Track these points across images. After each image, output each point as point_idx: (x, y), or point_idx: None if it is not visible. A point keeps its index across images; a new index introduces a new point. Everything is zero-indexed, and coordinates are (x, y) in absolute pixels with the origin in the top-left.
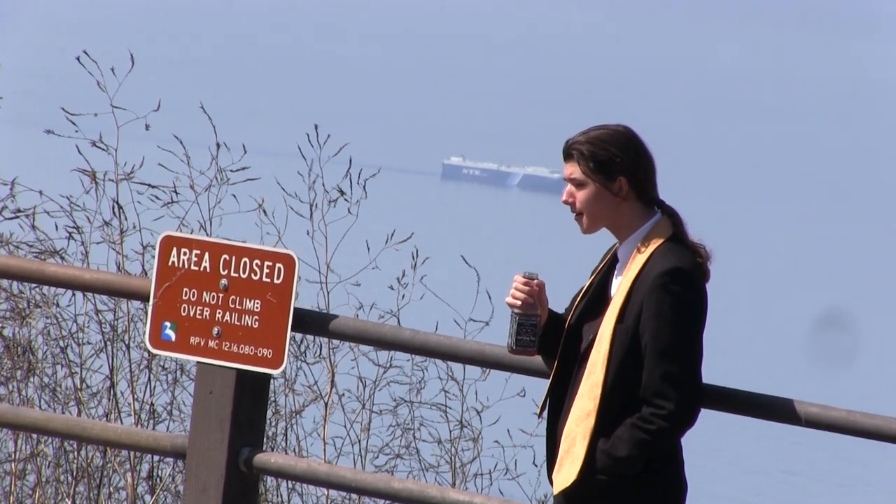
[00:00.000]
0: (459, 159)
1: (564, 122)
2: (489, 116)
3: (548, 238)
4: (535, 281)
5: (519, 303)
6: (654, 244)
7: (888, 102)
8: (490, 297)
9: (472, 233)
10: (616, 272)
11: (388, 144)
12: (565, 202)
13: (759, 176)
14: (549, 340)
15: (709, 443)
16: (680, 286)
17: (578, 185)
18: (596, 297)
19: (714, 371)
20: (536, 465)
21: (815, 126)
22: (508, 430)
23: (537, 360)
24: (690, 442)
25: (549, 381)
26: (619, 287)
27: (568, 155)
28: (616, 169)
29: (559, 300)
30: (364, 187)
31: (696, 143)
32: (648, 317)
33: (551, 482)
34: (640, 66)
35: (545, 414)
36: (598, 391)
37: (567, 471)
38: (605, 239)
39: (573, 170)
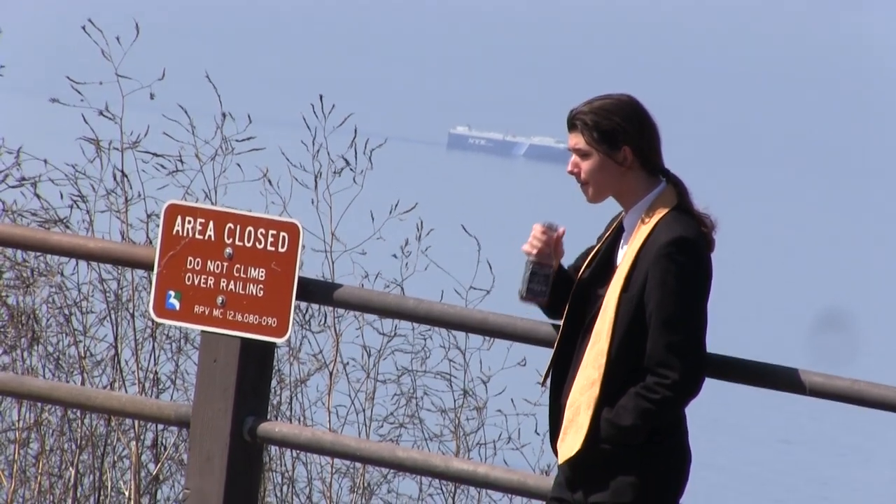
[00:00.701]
0: (465, 129)
1: (570, 92)
2: (495, 86)
3: (554, 208)
4: (556, 234)
5: (534, 251)
6: (660, 213)
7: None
8: (491, 267)
9: (477, 203)
10: (621, 241)
11: (394, 114)
12: (570, 172)
13: (753, 145)
14: (558, 293)
15: (712, 413)
16: (685, 256)
17: (583, 155)
18: (601, 265)
19: (718, 342)
20: (539, 435)
21: (810, 94)
22: (512, 400)
23: (541, 328)
24: (694, 412)
25: (554, 349)
26: (625, 256)
27: (572, 125)
28: (620, 138)
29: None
30: (370, 158)
31: (702, 114)
32: (653, 286)
33: (555, 451)
34: (643, 34)
35: (548, 383)
36: (603, 360)
37: (571, 440)
38: (610, 208)
39: (577, 140)
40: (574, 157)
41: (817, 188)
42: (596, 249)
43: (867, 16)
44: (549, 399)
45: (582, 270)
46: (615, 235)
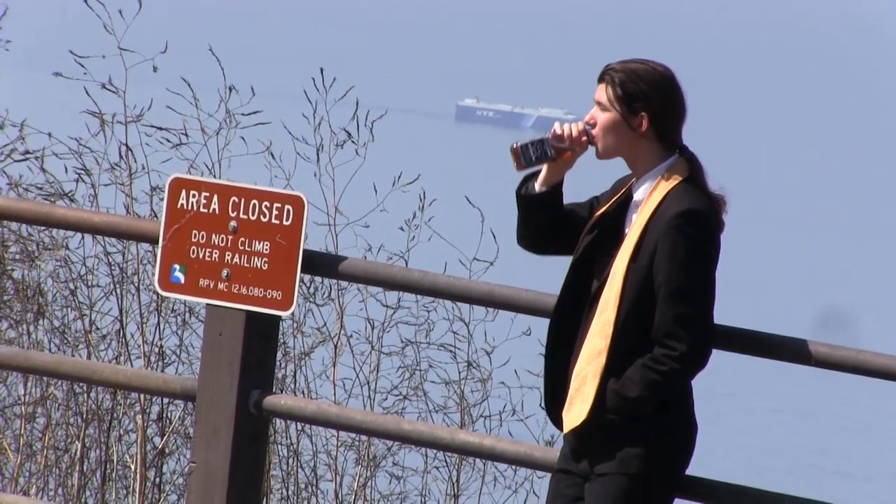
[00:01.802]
0: (473, 101)
1: (578, 63)
2: (503, 57)
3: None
4: (585, 138)
5: (559, 131)
6: (671, 184)
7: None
8: (495, 237)
9: (483, 175)
10: (630, 210)
11: (404, 86)
12: (587, 123)
13: (756, 120)
14: (540, 208)
15: (717, 384)
16: (694, 228)
17: (602, 109)
18: (608, 232)
19: (723, 316)
20: (543, 407)
21: (813, 69)
22: (516, 371)
23: (547, 300)
24: (701, 383)
25: (553, 312)
26: (634, 226)
27: (601, 77)
28: (640, 104)
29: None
30: (371, 129)
31: (722, 86)
32: (662, 258)
33: (550, 417)
34: (650, 7)
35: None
36: (610, 329)
37: (577, 409)
38: (615, 173)
39: (601, 93)
40: (594, 108)
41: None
42: (602, 213)
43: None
44: (545, 362)
45: (585, 233)
46: (623, 202)
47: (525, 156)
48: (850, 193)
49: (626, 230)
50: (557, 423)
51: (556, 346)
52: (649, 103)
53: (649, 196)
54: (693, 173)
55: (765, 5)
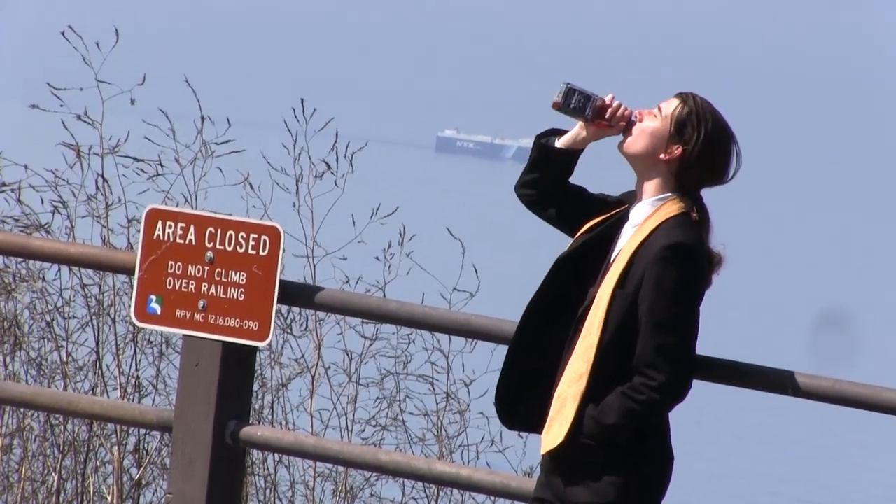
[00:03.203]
0: (454, 132)
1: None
2: (483, 88)
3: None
4: (625, 121)
5: (609, 101)
6: (666, 215)
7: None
8: (476, 271)
9: (464, 206)
10: (623, 227)
11: (383, 117)
12: (637, 113)
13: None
14: (552, 165)
15: (693, 414)
16: (682, 262)
17: (658, 115)
18: (597, 244)
19: (712, 343)
20: (522, 437)
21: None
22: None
23: None
24: (679, 413)
25: (527, 308)
26: (622, 251)
27: (680, 94)
28: (685, 139)
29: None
30: (351, 161)
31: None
32: (648, 288)
33: (503, 420)
34: (629, 33)
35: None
36: (592, 353)
37: (556, 431)
38: (619, 179)
39: (668, 105)
40: (652, 109)
41: (816, 186)
42: (599, 221)
43: (867, 14)
44: (506, 355)
45: (576, 239)
46: (618, 221)
47: (567, 98)
48: (837, 215)
49: (615, 250)
50: (504, 417)
51: (524, 336)
52: (693, 143)
53: (644, 222)
54: (695, 215)
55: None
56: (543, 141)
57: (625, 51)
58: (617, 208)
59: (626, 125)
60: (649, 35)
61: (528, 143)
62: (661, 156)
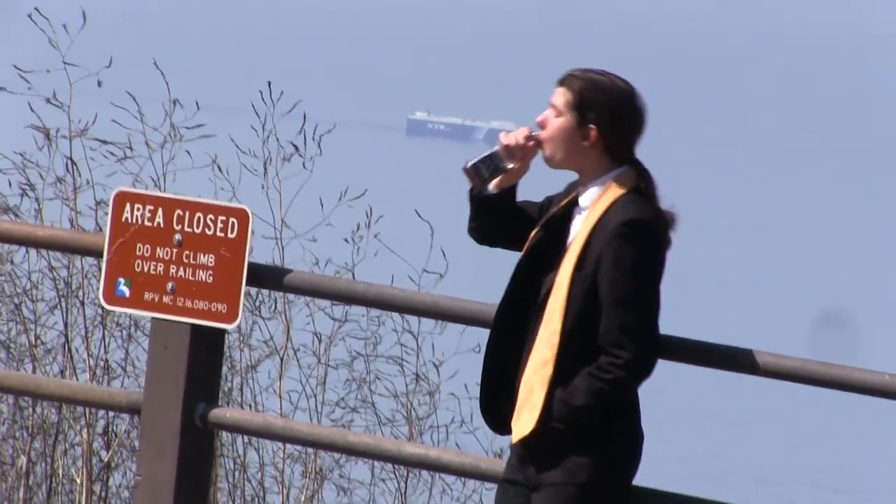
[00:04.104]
0: (424, 114)
1: (529, 75)
2: (454, 69)
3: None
4: (532, 143)
5: (505, 143)
6: (616, 194)
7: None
8: (445, 253)
9: (434, 188)
10: (575, 214)
11: (354, 100)
12: (538, 123)
13: (744, 135)
14: (492, 210)
15: (666, 393)
16: (638, 238)
17: (556, 113)
18: (552, 238)
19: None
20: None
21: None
22: (466, 384)
23: (492, 311)
24: (648, 393)
25: (496, 317)
26: (578, 234)
27: (561, 81)
28: (592, 115)
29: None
30: (319, 144)
31: (671, 97)
32: (607, 267)
33: (487, 421)
34: (609, 16)
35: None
36: (556, 339)
37: (525, 419)
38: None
39: (558, 97)
40: (548, 110)
41: (815, 177)
42: (550, 215)
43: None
44: (483, 362)
45: (532, 237)
46: (569, 209)
47: (479, 174)
48: (827, 202)
49: (571, 236)
50: (492, 425)
51: (497, 345)
52: (602, 116)
53: (595, 203)
54: (642, 185)
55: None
56: (475, 193)
57: (603, 27)
58: (564, 199)
59: (537, 143)
60: (630, 14)
61: (500, 124)
62: (583, 144)
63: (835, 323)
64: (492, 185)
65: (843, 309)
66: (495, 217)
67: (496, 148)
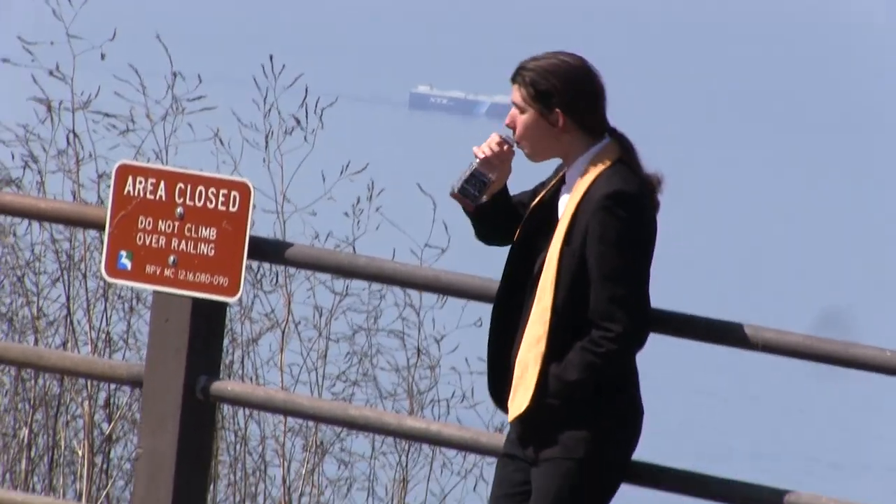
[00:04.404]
0: (427, 88)
1: (532, 49)
2: (456, 42)
3: (514, 167)
4: (507, 147)
5: (482, 156)
6: (600, 167)
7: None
8: (446, 227)
9: (436, 162)
10: (562, 192)
11: (356, 73)
12: (507, 125)
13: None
14: (488, 212)
15: (664, 368)
16: (623, 209)
17: (520, 110)
18: (542, 217)
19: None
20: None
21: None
22: (466, 359)
23: (493, 286)
24: (647, 367)
25: (496, 296)
26: (565, 210)
27: (513, 78)
28: (554, 100)
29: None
30: (320, 117)
31: (661, 76)
32: (593, 240)
33: (498, 406)
34: None
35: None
36: (548, 315)
37: (521, 397)
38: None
39: (516, 95)
40: (513, 110)
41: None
42: (539, 199)
43: None
44: (487, 349)
45: (524, 220)
46: (557, 188)
47: (469, 195)
48: (820, 183)
49: (559, 215)
50: (503, 408)
51: (498, 331)
52: (563, 98)
53: (580, 180)
54: (624, 155)
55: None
56: (464, 200)
57: (600, 10)
58: (553, 181)
59: (510, 145)
60: None
61: (502, 98)
62: (555, 130)
63: (835, 324)
64: (484, 195)
65: (843, 308)
66: (496, 221)
67: (475, 164)
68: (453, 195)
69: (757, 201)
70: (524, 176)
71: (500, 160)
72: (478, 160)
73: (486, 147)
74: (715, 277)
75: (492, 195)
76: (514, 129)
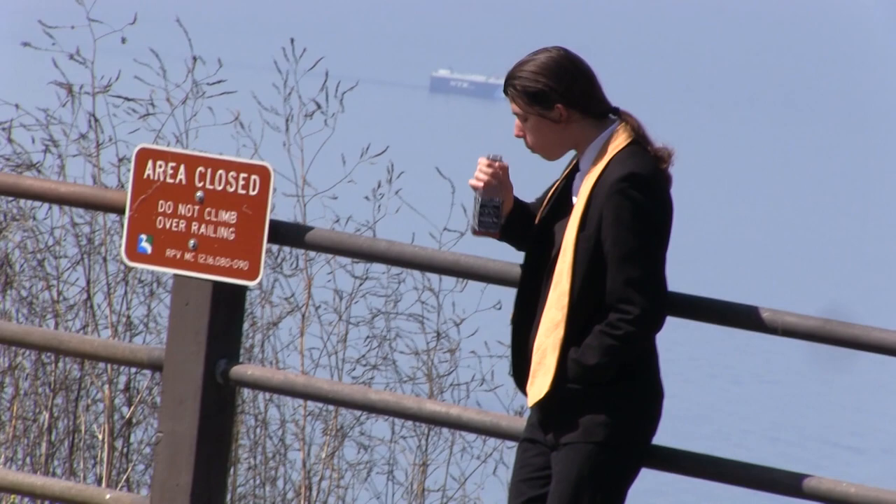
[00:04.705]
0: (447, 72)
1: (552, 31)
2: (477, 26)
3: (527, 167)
4: (498, 163)
5: (481, 184)
6: (613, 150)
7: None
8: (465, 210)
9: (456, 146)
10: (576, 179)
11: (377, 57)
12: (516, 136)
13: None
14: (515, 227)
15: (683, 352)
16: (637, 191)
17: (523, 119)
18: (558, 204)
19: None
20: (511, 375)
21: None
22: (486, 342)
23: (513, 270)
24: (667, 350)
25: (518, 288)
26: (580, 195)
27: (505, 92)
28: (550, 98)
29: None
30: (341, 101)
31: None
32: (608, 223)
33: (523, 392)
34: None
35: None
36: (566, 300)
37: (540, 382)
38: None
39: (514, 106)
40: (517, 122)
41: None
42: (554, 187)
43: None
44: (511, 338)
45: (541, 209)
46: (571, 173)
47: (489, 225)
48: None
49: (574, 200)
50: (523, 390)
51: (520, 317)
52: (558, 92)
53: (595, 163)
54: (635, 135)
55: None
56: (488, 232)
57: None
58: (568, 169)
59: (501, 163)
60: None
61: None
62: (561, 124)
63: (838, 318)
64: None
65: (843, 307)
66: (524, 232)
67: (478, 195)
68: (476, 233)
69: (776, 188)
70: (536, 174)
71: (497, 180)
72: (479, 191)
73: (478, 174)
74: (727, 262)
75: (507, 213)
76: (523, 139)
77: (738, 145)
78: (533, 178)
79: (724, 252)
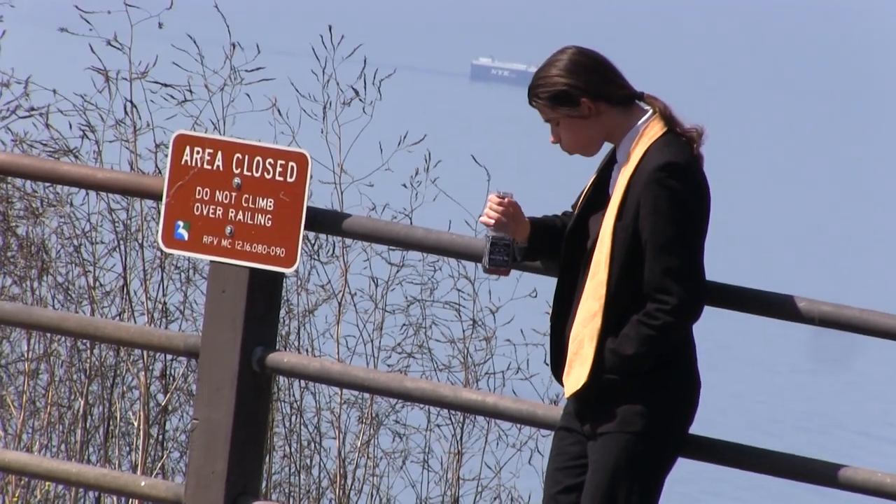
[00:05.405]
0: (488, 60)
1: (592, 20)
2: (519, 14)
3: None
4: (508, 199)
5: (492, 222)
6: (650, 140)
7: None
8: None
9: (495, 134)
10: (614, 170)
11: (419, 44)
12: (552, 143)
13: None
14: (542, 245)
15: (719, 341)
16: (676, 180)
17: (554, 123)
18: (596, 195)
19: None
20: (549, 365)
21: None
22: (522, 330)
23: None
24: (704, 340)
25: (556, 281)
26: (617, 185)
27: (531, 102)
28: (573, 95)
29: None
30: (379, 88)
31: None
32: (646, 213)
33: (560, 382)
34: None
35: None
36: (603, 291)
37: (577, 373)
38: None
39: (541, 113)
40: (550, 128)
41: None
42: (591, 182)
43: None
44: (549, 329)
45: (578, 204)
46: (608, 164)
47: (500, 263)
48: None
49: (611, 190)
50: (561, 381)
51: (559, 307)
52: (580, 87)
53: (631, 153)
54: (669, 123)
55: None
56: (519, 259)
57: None
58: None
59: (509, 199)
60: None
61: None
62: (590, 118)
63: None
64: (519, 242)
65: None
66: (551, 245)
67: (489, 234)
68: (487, 271)
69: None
70: (565, 177)
71: (507, 216)
72: (490, 229)
73: (489, 212)
74: (759, 251)
75: (527, 239)
76: (559, 143)
77: (777, 134)
78: (570, 179)
79: (757, 241)
